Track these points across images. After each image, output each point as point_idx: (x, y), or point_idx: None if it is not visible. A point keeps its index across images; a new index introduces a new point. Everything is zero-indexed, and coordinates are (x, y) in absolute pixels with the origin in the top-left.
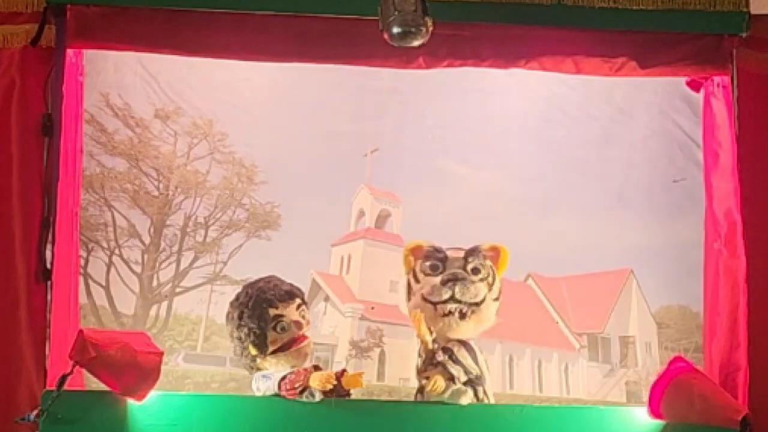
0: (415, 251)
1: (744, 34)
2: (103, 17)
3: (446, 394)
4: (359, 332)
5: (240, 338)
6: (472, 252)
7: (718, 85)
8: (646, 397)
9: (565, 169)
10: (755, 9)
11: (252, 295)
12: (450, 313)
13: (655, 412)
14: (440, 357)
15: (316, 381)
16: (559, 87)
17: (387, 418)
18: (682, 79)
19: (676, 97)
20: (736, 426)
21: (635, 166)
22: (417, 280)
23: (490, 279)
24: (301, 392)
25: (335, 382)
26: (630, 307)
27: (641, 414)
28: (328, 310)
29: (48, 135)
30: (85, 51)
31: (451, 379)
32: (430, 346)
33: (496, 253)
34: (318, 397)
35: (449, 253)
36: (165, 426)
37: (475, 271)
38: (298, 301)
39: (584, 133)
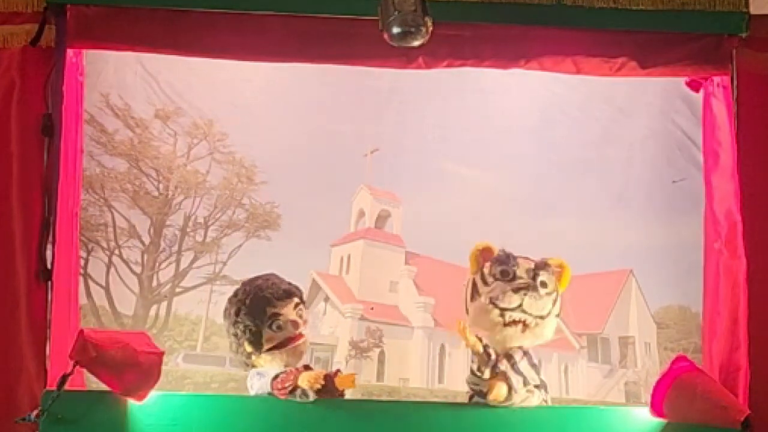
0: (485, 252)
1: (744, 34)
2: (103, 17)
3: (514, 402)
4: (359, 332)
5: (236, 335)
6: (542, 266)
7: (717, 86)
8: (645, 398)
9: (565, 169)
10: (755, 9)
11: (250, 292)
12: (514, 322)
13: (657, 411)
14: (503, 366)
15: (305, 380)
16: (559, 87)
17: (387, 418)
18: (682, 79)
19: (676, 98)
20: (737, 426)
21: (635, 166)
22: (485, 283)
23: (554, 295)
24: (291, 391)
25: (323, 382)
26: (630, 307)
27: (641, 414)
28: (328, 311)
29: (48, 135)
30: (85, 51)
31: (511, 388)
32: (482, 351)
33: (560, 270)
34: (312, 396)
35: (519, 261)
36: (165, 426)
37: (543, 284)
38: (296, 300)
39: (584, 133)
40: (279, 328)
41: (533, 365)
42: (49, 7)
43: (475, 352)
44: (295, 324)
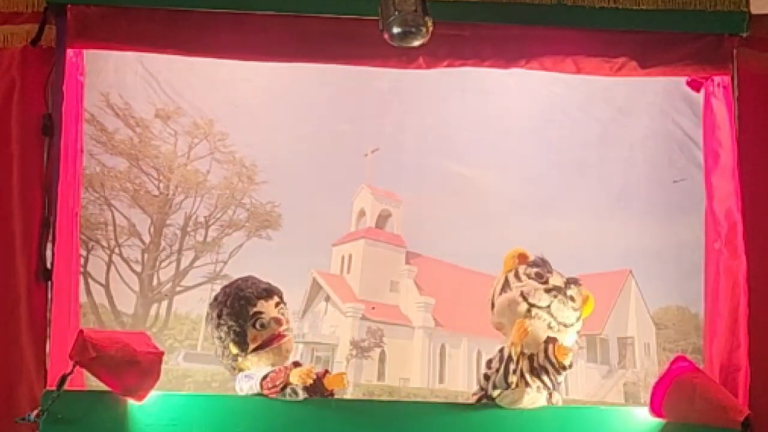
0: (522, 257)
1: (744, 34)
2: (104, 17)
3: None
4: (360, 332)
5: (220, 337)
6: (574, 281)
7: (718, 85)
8: (644, 399)
9: (565, 169)
10: (755, 9)
11: (230, 293)
12: (541, 318)
13: (656, 411)
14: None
15: (296, 376)
16: (559, 87)
17: (387, 418)
18: (682, 79)
19: (677, 97)
20: (737, 426)
21: (635, 166)
22: (518, 279)
23: (579, 313)
24: (282, 389)
25: (315, 377)
26: (629, 308)
27: (641, 414)
28: (329, 310)
29: (48, 135)
30: (85, 51)
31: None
32: (514, 356)
33: (584, 298)
34: (301, 395)
35: (554, 271)
36: (165, 426)
37: (572, 298)
38: (276, 299)
39: (584, 133)
40: (262, 326)
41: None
42: (49, 7)
43: (512, 350)
44: (278, 321)
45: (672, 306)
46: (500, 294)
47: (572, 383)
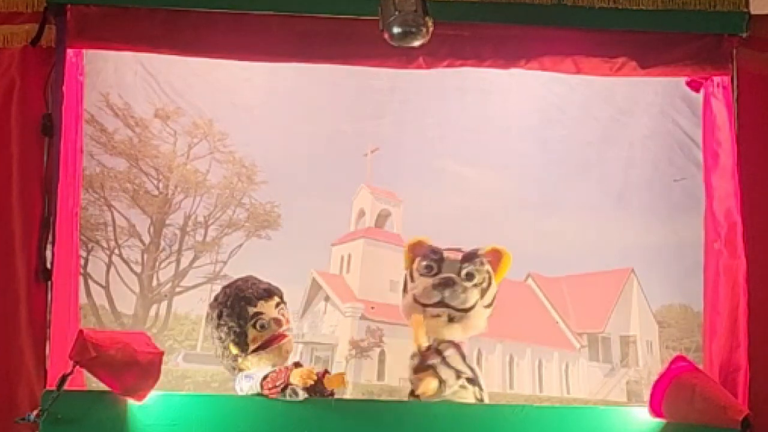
0: (415, 248)
1: (744, 34)
2: (103, 17)
3: (445, 395)
4: (359, 332)
5: (220, 338)
6: (469, 256)
7: (718, 85)
8: (647, 397)
9: (565, 169)
10: (755, 9)
11: (230, 294)
12: (438, 316)
13: (656, 411)
14: (432, 360)
15: (296, 377)
16: (559, 87)
17: (387, 418)
18: (682, 79)
19: (676, 97)
20: (737, 426)
21: (635, 166)
22: (412, 279)
23: (484, 284)
24: (283, 389)
25: (315, 378)
26: (631, 306)
27: (641, 414)
28: (329, 310)
29: (48, 135)
30: (85, 51)
31: (442, 381)
32: (423, 349)
33: (497, 256)
34: (301, 395)
35: (446, 254)
36: (165, 426)
37: (469, 276)
38: (276, 299)
39: (584, 133)
40: (263, 327)
41: (464, 357)
42: (49, 7)
43: (417, 347)
44: (278, 322)
45: (675, 304)
46: (402, 295)
47: (574, 382)
